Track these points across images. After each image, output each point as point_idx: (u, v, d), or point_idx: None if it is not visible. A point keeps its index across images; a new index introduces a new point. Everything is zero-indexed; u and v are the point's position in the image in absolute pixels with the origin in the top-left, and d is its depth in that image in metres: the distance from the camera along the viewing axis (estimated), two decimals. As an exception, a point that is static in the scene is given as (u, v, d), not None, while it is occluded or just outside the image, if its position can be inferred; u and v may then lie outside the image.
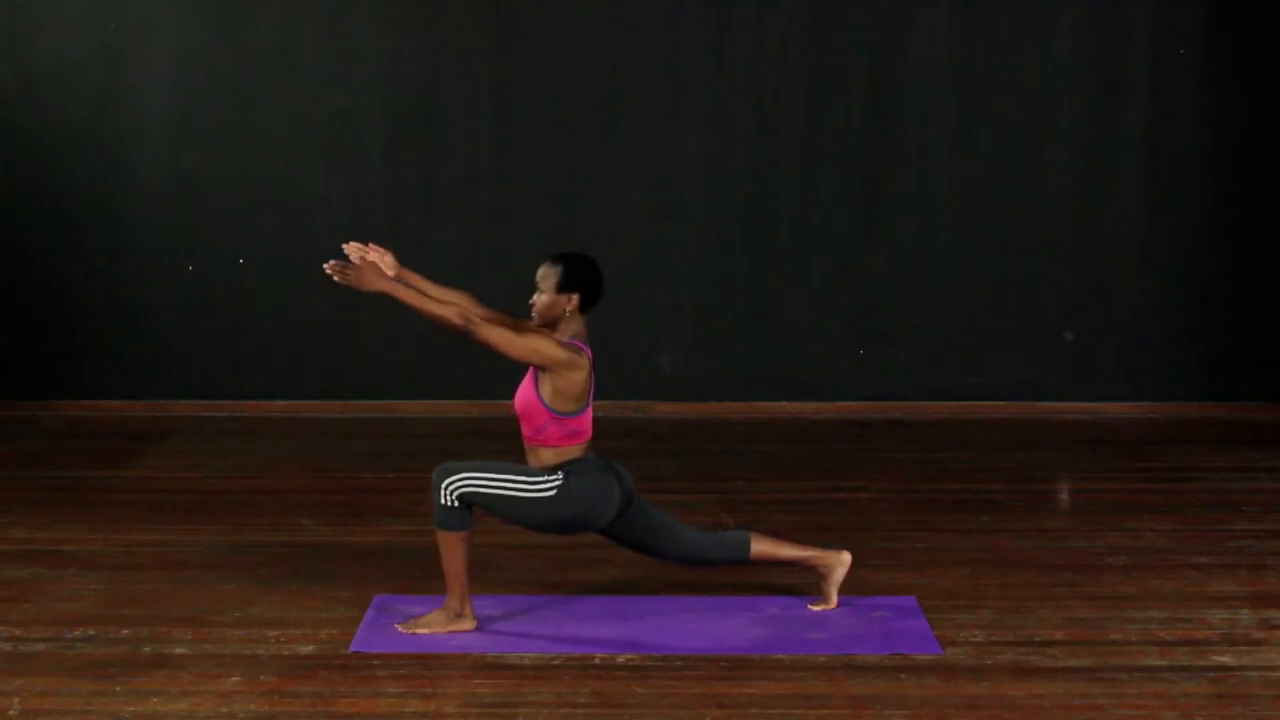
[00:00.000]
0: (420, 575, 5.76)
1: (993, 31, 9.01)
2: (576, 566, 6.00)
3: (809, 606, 5.53)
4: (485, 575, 5.73)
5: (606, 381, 9.07)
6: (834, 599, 5.52)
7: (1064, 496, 7.55)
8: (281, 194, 9.08)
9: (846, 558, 5.53)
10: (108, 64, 8.98)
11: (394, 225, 9.11)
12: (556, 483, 5.18)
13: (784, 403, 9.16)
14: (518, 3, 9.01)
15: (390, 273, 5.24)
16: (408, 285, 5.23)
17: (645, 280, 9.14)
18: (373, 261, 5.18)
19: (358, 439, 8.47)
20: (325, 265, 5.09)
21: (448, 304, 5.12)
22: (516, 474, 5.19)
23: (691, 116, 9.07)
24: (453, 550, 5.19)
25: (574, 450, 5.23)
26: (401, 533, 6.32)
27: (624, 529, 5.40)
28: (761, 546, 5.48)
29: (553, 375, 5.14)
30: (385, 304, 9.06)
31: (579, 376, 5.16)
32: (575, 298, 5.22)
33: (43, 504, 7.02)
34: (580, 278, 5.24)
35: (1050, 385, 9.16)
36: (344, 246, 5.27)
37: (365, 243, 5.32)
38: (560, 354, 5.10)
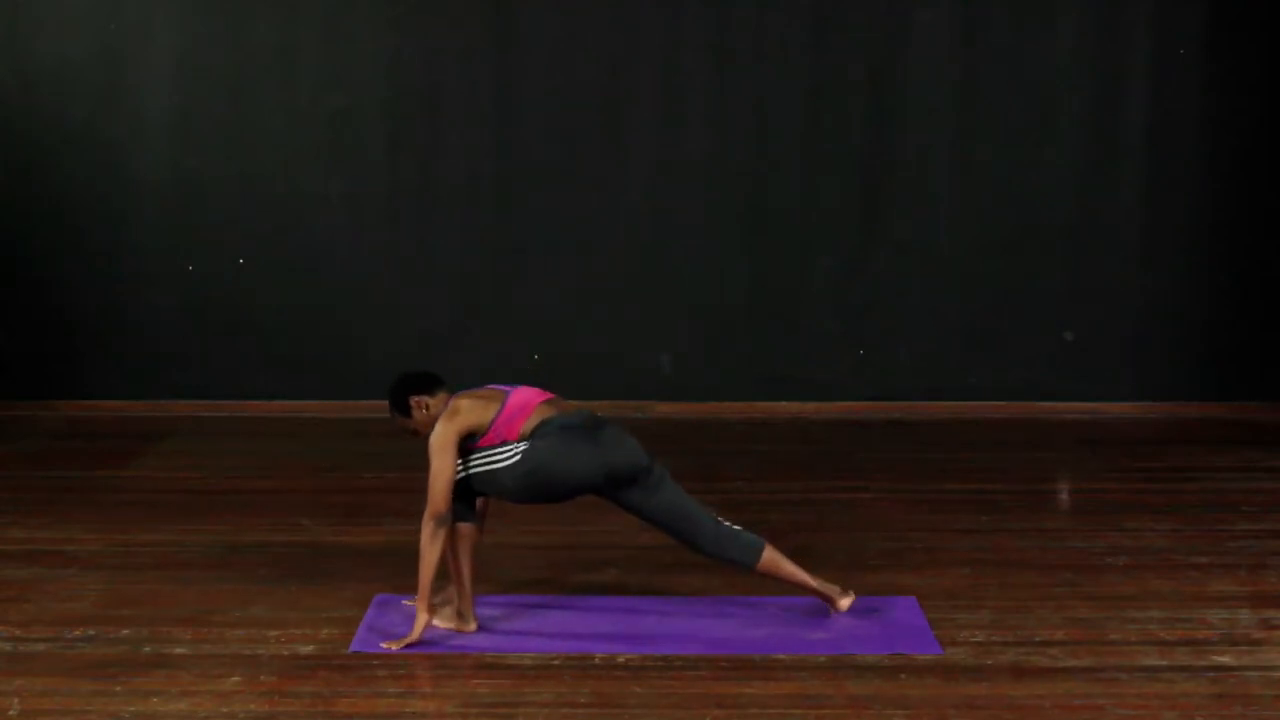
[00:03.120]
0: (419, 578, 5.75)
1: (993, 32, 9.00)
2: (576, 567, 6.00)
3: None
4: (485, 575, 5.72)
5: (607, 381, 9.18)
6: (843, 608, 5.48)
7: (1064, 496, 7.55)
8: (281, 194, 9.08)
9: (846, 603, 5.45)
10: (108, 64, 8.98)
11: (394, 225, 9.12)
12: (522, 448, 5.28)
13: (784, 403, 9.16)
14: (518, 3, 9.01)
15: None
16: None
17: (645, 280, 9.14)
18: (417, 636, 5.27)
19: (358, 439, 8.47)
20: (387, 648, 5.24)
21: (431, 555, 5.23)
22: (491, 448, 5.29)
23: (691, 116, 9.07)
24: (438, 548, 5.22)
25: (533, 420, 5.31)
26: (401, 533, 6.30)
27: (638, 502, 5.37)
28: (772, 561, 5.40)
29: (463, 435, 5.29)
30: (385, 304, 9.13)
31: (464, 417, 5.30)
32: (420, 400, 5.44)
33: (43, 504, 7.02)
34: (404, 393, 5.46)
35: (1050, 385, 9.15)
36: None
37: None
38: (447, 433, 5.26)
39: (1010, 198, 9.09)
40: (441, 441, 5.27)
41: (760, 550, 5.40)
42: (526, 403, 5.35)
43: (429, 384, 5.47)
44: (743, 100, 9.06)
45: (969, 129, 9.06)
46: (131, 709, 4.67)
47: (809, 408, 9.13)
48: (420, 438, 5.42)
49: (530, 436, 5.28)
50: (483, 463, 5.30)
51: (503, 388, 5.44)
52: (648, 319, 9.17)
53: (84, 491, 7.30)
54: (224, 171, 9.05)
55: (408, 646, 5.16)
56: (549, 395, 5.44)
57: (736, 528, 5.43)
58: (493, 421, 5.30)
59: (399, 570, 5.87)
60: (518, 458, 5.26)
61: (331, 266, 9.12)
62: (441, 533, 5.21)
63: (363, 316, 9.13)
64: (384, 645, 5.19)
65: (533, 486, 5.30)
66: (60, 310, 9.13)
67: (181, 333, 9.13)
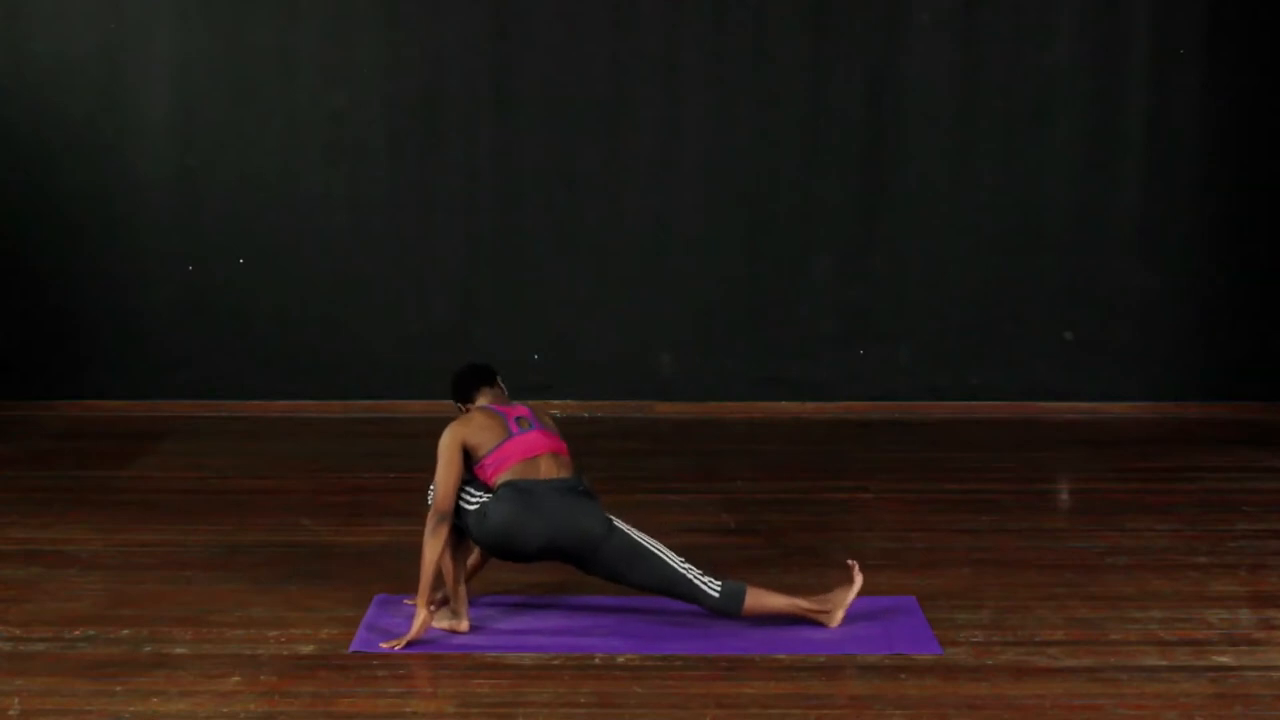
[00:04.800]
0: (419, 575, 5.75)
1: (993, 32, 9.00)
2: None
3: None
4: (486, 575, 5.73)
5: (607, 381, 9.19)
6: (838, 620, 5.43)
7: (1064, 496, 7.55)
8: (281, 194, 9.08)
9: (839, 617, 5.36)
10: (108, 64, 8.98)
11: (394, 225, 9.12)
12: (483, 499, 5.31)
13: (784, 403, 9.16)
14: (518, 3, 9.01)
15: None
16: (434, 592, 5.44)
17: (645, 280, 9.14)
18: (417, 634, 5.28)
19: (358, 439, 8.47)
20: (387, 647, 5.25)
21: (430, 550, 5.27)
22: (473, 485, 5.33)
23: (691, 116, 9.07)
24: (438, 544, 5.25)
25: (506, 475, 5.31)
26: (401, 533, 6.31)
27: (607, 574, 5.37)
28: (756, 602, 5.33)
29: (465, 447, 5.37)
30: (385, 304, 9.13)
31: (471, 431, 5.37)
32: (465, 407, 5.62)
33: (43, 504, 7.02)
34: (453, 395, 5.67)
35: (1050, 385, 9.15)
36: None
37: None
38: (452, 437, 5.35)
39: (1010, 198, 9.09)
40: (445, 444, 5.32)
41: (741, 596, 5.32)
42: (512, 454, 5.34)
43: (469, 389, 5.60)
44: (743, 100, 9.05)
45: (969, 129, 9.06)
46: (131, 709, 4.68)
47: (809, 408, 9.13)
48: None
49: (494, 492, 5.31)
50: (463, 499, 5.32)
51: (514, 424, 5.40)
52: (648, 319, 9.17)
53: (84, 491, 7.30)
54: (224, 171, 9.05)
55: (407, 646, 5.16)
56: (548, 449, 5.40)
57: (715, 589, 5.31)
58: (486, 454, 5.33)
59: (399, 570, 5.87)
60: (478, 508, 5.29)
61: (331, 266, 9.12)
62: (442, 530, 5.22)
63: (363, 316, 9.13)
64: (384, 645, 5.19)
65: (488, 543, 5.32)
66: (60, 310, 9.13)
67: (181, 333, 9.13)
